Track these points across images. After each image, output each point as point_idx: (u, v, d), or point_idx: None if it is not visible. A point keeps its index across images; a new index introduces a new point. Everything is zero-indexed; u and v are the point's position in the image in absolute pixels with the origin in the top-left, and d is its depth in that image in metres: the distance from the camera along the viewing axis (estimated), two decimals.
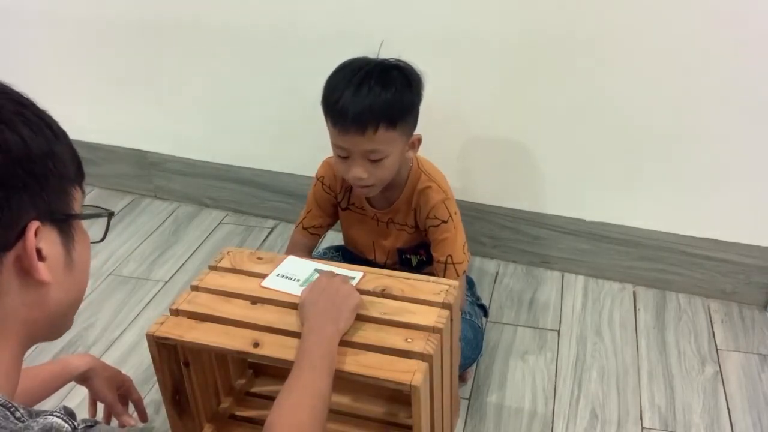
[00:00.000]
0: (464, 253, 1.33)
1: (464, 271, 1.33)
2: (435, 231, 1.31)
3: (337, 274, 1.10)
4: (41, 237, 0.61)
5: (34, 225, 0.60)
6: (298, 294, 1.07)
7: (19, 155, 0.59)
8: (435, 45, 1.52)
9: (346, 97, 1.16)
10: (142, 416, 1.27)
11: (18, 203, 0.59)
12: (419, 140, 1.28)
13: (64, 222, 0.64)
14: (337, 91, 1.18)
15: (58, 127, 0.65)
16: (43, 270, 0.61)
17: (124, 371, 1.26)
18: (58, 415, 0.56)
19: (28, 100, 0.64)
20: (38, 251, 0.61)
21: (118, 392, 1.22)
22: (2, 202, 0.58)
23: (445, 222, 1.30)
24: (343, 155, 1.22)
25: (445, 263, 1.30)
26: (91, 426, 0.58)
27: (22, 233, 0.60)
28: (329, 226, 1.45)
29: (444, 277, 1.30)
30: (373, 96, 1.15)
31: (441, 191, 1.31)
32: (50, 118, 0.65)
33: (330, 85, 1.20)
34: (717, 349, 1.47)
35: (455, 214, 1.32)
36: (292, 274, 1.15)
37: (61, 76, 1.94)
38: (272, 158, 1.87)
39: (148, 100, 1.91)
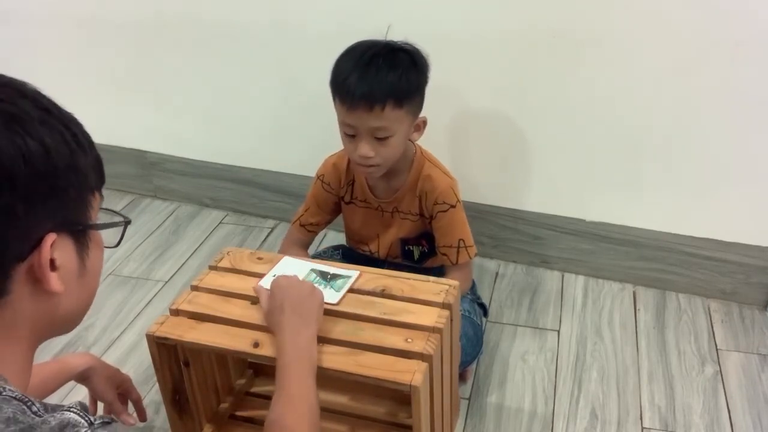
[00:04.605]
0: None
1: (475, 254, 1.35)
2: (443, 216, 1.32)
3: (292, 275, 1.08)
4: (56, 247, 0.61)
5: (51, 238, 0.60)
6: None
7: (42, 169, 0.59)
8: (435, 43, 1.51)
9: (355, 76, 1.19)
10: (142, 415, 1.27)
11: (36, 216, 0.59)
12: (424, 122, 1.30)
13: (80, 232, 0.65)
14: (345, 71, 1.20)
15: (83, 134, 0.65)
16: (54, 280, 0.62)
17: (124, 371, 1.26)
18: (75, 410, 0.57)
19: (52, 104, 0.63)
20: (52, 261, 0.61)
21: (117, 391, 1.22)
22: (21, 214, 0.58)
23: (453, 206, 1.32)
24: (351, 133, 1.24)
25: (458, 247, 1.32)
26: (108, 423, 0.58)
27: (37, 244, 0.60)
28: (326, 223, 1.46)
29: (456, 260, 1.33)
30: (381, 75, 1.18)
31: (446, 177, 1.33)
32: (76, 124, 0.64)
33: (338, 66, 1.23)
34: (717, 349, 1.47)
35: (461, 198, 1.34)
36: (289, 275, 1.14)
37: (62, 76, 1.93)
38: (272, 158, 1.87)
39: (148, 100, 1.91)
